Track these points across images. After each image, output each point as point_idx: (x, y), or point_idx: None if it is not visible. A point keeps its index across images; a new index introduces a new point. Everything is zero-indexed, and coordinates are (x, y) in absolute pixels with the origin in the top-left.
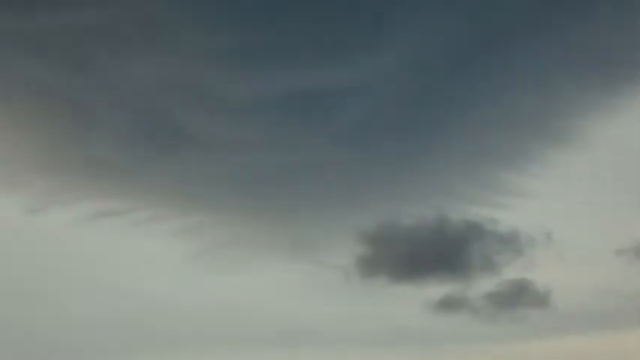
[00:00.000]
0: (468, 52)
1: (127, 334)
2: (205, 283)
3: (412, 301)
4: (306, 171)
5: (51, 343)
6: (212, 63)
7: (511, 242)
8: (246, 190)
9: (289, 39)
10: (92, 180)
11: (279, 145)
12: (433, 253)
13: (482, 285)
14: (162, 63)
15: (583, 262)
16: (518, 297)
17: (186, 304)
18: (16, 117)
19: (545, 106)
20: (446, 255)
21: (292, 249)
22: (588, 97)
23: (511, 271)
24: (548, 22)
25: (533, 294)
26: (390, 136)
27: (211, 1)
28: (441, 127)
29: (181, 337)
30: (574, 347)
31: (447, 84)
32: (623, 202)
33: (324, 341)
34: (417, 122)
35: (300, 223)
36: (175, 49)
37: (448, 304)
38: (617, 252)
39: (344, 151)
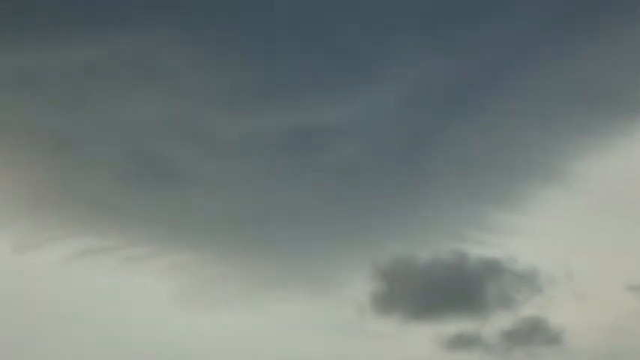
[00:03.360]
0: (464, 90)
1: None
2: (199, 321)
3: (426, 338)
4: (303, 208)
5: None
6: (205, 101)
7: (523, 281)
8: (241, 227)
9: (283, 77)
10: (82, 217)
11: (275, 183)
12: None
13: (497, 322)
14: (155, 101)
15: (594, 299)
16: (532, 334)
17: (181, 342)
18: (7, 154)
19: (541, 146)
20: (457, 292)
21: (291, 285)
22: (585, 136)
23: (525, 309)
24: (545, 60)
25: (546, 332)
26: (387, 173)
27: (204, 40)
28: (437, 165)
29: None
30: None
31: (443, 121)
32: (628, 240)
33: None
34: (412, 160)
35: (300, 260)
36: (168, 87)
37: (462, 341)
38: (628, 288)
39: (341, 187)
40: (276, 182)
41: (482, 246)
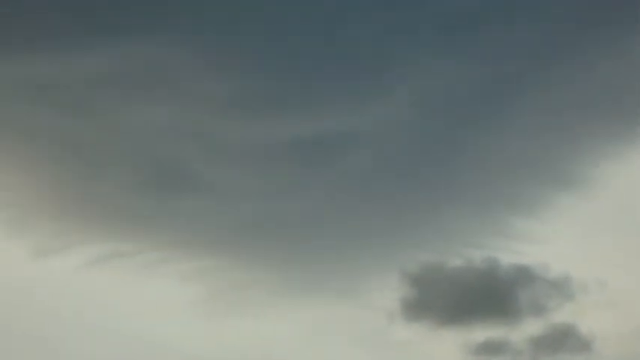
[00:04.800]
0: (478, 97)
1: None
2: (221, 327)
3: (454, 344)
4: (325, 214)
5: None
6: (219, 110)
7: (554, 288)
8: (263, 233)
9: (298, 86)
10: (101, 223)
11: (295, 189)
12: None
13: (526, 329)
14: (168, 110)
15: (625, 306)
16: (561, 342)
17: (201, 349)
18: (24, 162)
19: (556, 152)
20: (487, 299)
21: (315, 292)
22: (606, 142)
23: (555, 316)
24: (559, 66)
25: (576, 339)
26: (409, 180)
27: (217, 48)
28: (457, 172)
29: None
30: None
31: (463, 129)
32: None
33: None
34: (433, 167)
35: (324, 266)
36: (182, 96)
37: (490, 348)
38: None
39: (362, 194)
40: (296, 188)
41: (510, 253)
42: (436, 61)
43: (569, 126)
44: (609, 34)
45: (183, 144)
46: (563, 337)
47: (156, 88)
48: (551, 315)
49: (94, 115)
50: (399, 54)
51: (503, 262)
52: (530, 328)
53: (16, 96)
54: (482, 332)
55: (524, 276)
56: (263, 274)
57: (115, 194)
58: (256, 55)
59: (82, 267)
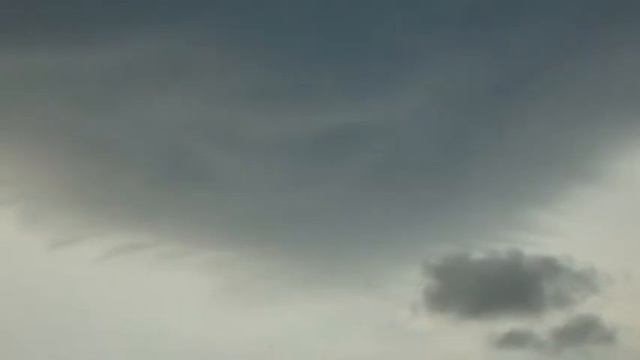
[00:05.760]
0: (497, 91)
1: None
2: (238, 318)
3: (477, 336)
4: (345, 206)
5: None
6: (236, 103)
7: (574, 280)
8: (280, 225)
9: (314, 79)
10: (118, 214)
11: (313, 181)
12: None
13: (550, 321)
14: (187, 103)
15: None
16: (585, 333)
17: (219, 340)
18: (42, 153)
19: (577, 145)
20: (510, 290)
21: (335, 283)
22: (621, 135)
23: (579, 308)
24: (578, 58)
25: (599, 331)
26: (427, 173)
27: (236, 42)
28: (474, 166)
29: None
30: None
31: (480, 122)
32: None
33: None
34: (450, 161)
35: (344, 257)
36: (200, 89)
37: (514, 340)
38: None
39: (381, 186)
40: (316, 181)
41: (533, 246)
42: (450, 56)
43: (590, 119)
44: (631, 25)
45: (200, 137)
46: (587, 329)
47: (175, 81)
48: (574, 307)
49: (111, 109)
50: (413, 49)
51: (527, 254)
52: (553, 320)
53: (33, 89)
54: (505, 324)
55: (547, 268)
56: (283, 265)
57: (132, 186)
58: (273, 49)
59: (98, 259)
